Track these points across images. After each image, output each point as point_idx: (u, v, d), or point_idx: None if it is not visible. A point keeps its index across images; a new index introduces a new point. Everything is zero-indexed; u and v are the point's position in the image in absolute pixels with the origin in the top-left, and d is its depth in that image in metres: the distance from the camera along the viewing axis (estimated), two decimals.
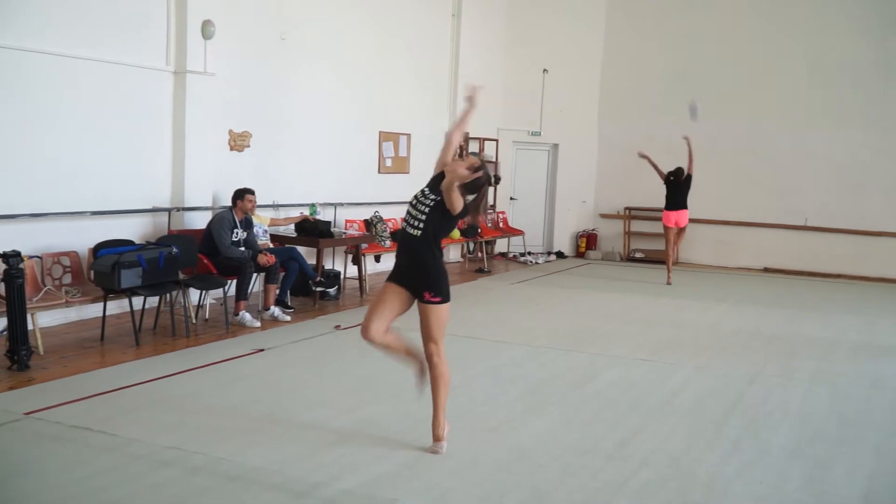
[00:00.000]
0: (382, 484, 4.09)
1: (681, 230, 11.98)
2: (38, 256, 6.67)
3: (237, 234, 7.88)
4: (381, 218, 11.07)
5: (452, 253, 13.49)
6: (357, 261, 9.91)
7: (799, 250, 13.67)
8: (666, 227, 11.96)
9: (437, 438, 4.54)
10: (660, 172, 11.81)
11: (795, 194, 13.63)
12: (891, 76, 12.94)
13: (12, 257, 5.77)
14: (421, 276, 4.44)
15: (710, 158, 13.19)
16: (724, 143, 13.78)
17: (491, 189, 14.21)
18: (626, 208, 14.70)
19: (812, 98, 13.42)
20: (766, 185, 13.77)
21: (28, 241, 6.59)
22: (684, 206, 11.78)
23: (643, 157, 11.79)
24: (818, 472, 4.54)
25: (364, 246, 10.11)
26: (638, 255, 14.54)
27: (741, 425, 5.34)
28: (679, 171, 11.73)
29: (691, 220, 12.17)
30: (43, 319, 6.59)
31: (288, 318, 8.03)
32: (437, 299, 4.43)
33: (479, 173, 4.31)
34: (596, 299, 10.31)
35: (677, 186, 11.75)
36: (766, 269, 13.85)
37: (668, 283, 11.74)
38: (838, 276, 13.25)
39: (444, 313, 4.47)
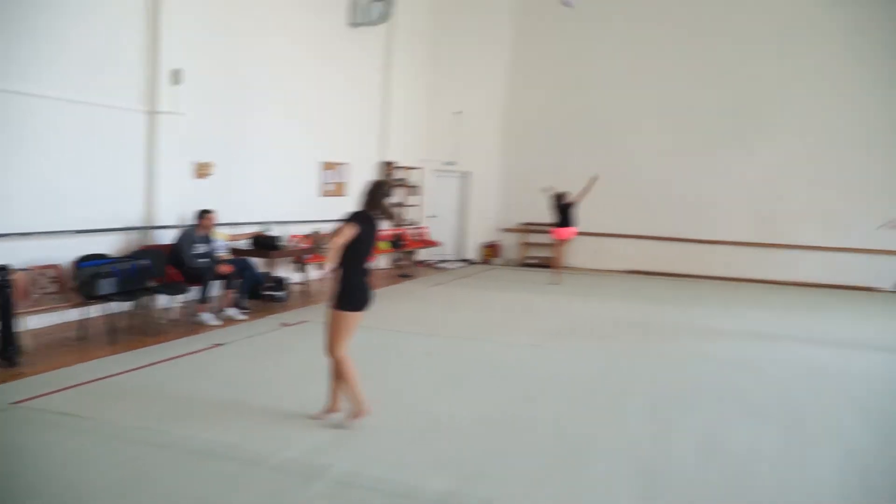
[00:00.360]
0: (320, 452, 4.08)
1: (567, 242, 12.29)
2: (27, 269, 6.40)
3: (200, 247, 7.72)
4: (321, 233, 10.95)
5: (383, 261, 13.46)
6: (301, 269, 9.80)
7: (656, 256, 14.06)
8: (557, 240, 12.29)
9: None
10: (575, 197, 12.06)
11: (654, 210, 14.04)
12: (723, 118, 13.47)
13: (1, 270, 5.54)
14: None
15: (596, 182, 13.55)
16: (604, 170, 14.10)
17: (413, 208, 14.27)
18: (522, 223, 14.91)
19: (667, 134, 13.87)
20: (633, 203, 14.12)
21: (19, 256, 6.32)
22: (573, 224, 12.12)
23: (592, 180, 11.98)
24: (665, 430, 4.71)
25: (307, 256, 10.01)
26: (532, 261, 14.76)
27: (607, 395, 5.50)
28: (561, 195, 12.07)
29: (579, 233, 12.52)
30: (31, 323, 6.33)
31: (243, 317, 7.89)
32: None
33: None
34: (498, 297, 10.43)
35: (566, 208, 12.08)
36: (631, 271, 14.21)
37: (557, 283, 12.01)
38: (686, 275, 13.69)
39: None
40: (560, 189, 12.23)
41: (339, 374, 4.52)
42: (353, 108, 12.22)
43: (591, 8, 14.24)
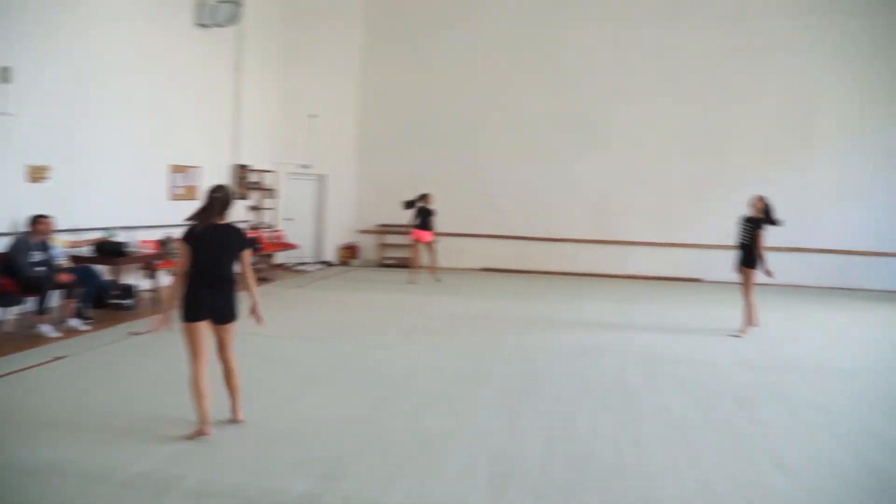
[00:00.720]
0: (172, 463, 3.91)
1: (428, 243, 12.46)
2: None
3: (36, 255, 7.14)
4: (172, 238, 10.48)
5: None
6: (151, 275, 9.31)
7: (507, 254, 14.61)
8: (416, 242, 12.45)
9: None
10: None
11: (504, 212, 14.58)
12: (565, 124, 14.22)
13: None
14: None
15: (449, 185, 13.87)
16: (456, 173, 14.49)
17: (269, 211, 13.95)
18: (379, 225, 14.97)
19: (514, 140, 14.43)
20: (484, 205, 14.58)
21: None
22: (428, 228, 12.31)
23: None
24: (516, 418, 4.93)
25: (158, 262, 9.52)
26: (389, 261, 14.86)
27: (462, 388, 5.66)
28: (422, 197, 12.31)
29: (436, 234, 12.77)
30: None
31: (86, 327, 7.37)
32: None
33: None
34: (358, 298, 10.41)
35: (421, 212, 12.27)
36: (485, 269, 14.66)
37: (414, 283, 12.16)
38: (535, 271, 14.32)
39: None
40: (422, 192, 12.50)
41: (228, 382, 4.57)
42: (202, 110, 11.76)
43: (437, 16, 14.58)
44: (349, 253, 15.03)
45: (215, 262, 4.34)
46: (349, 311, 9.24)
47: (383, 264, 14.84)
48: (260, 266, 13.08)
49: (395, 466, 3.99)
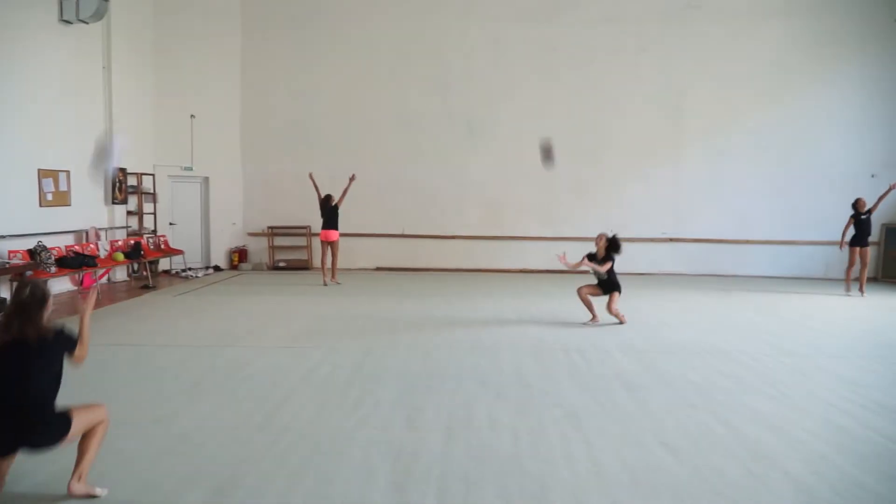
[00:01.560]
0: (54, 483, 3.64)
1: (332, 243, 12.20)
2: None
3: None
4: (44, 247, 9.78)
5: (119, 273, 12.34)
6: None
7: (400, 252, 14.60)
8: (322, 242, 12.18)
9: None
10: (318, 193, 12.05)
11: (395, 210, 14.56)
12: (450, 124, 14.38)
13: None
14: None
15: (338, 185, 13.66)
16: (345, 173, 14.31)
17: (150, 215, 13.29)
18: (268, 227, 14.59)
19: (402, 139, 14.43)
20: (375, 204, 14.49)
21: None
22: (335, 227, 12.07)
23: (311, 178, 12.12)
24: (415, 414, 4.93)
25: (29, 273, 8.85)
26: (281, 264, 14.51)
27: (360, 387, 5.60)
28: (328, 197, 12.06)
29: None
30: None
31: None
32: None
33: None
34: (249, 302, 10.09)
35: (328, 211, 12.03)
36: (379, 269, 14.60)
37: (325, 284, 11.96)
38: (427, 269, 14.40)
39: None
40: (326, 192, 12.26)
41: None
42: (72, 111, 11.04)
43: (319, 13, 14.36)
44: (239, 256, 14.55)
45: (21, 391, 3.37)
46: (240, 315, 8.93)
47: (276, 267, 14.47)
48: (143, 274, 12.44)
49: (292, 472, 3.89)
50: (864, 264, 11.66)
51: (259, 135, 14.58)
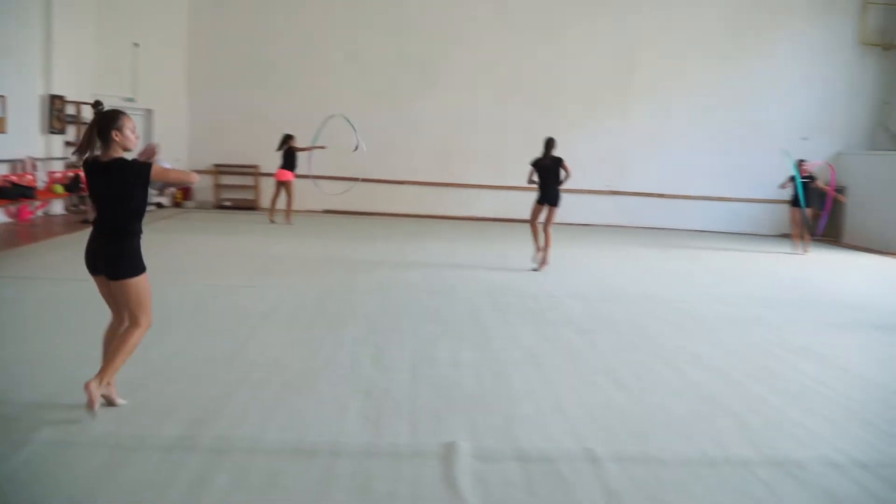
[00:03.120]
0: (63, 394, 3.64)
1: (286, 184, 12.12)
2: None
3: None
4: None
5: (56, 206, 11.93)
6: None
7: (351, 196, 14.47)
8: (277, 182, 12.30)
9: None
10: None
11: (345, 153, 14.37)
12: (408, 67, 14.22)
13: None
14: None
15: (288, 125, 13.44)
16: (296, 113, 14.06)
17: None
18: (214, 165, 14.27)
19: (354, 79, 14.21)
20: (328, 146, 14.28)
21: None
22: (290, 168, 12.20)
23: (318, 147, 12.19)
24: (380, 353, 5.07)
25: None
26: (227, 203, 14.27)
27: (322, 327, 5.70)
28: (288, 137, 12.18)
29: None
30: None
31: None
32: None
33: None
34: (199, 241, 9.96)
35: (286, 152, 12.10)
36: (328, 211, 14.52)
37: (272, 222, 12.11)
38: (378, 213, 14.42)
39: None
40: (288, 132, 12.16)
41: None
42: (4, 32, 10.43)
43: None
44: (182, 193, 14.21)
45: (99, 202, 3.74)
46: (191, 254, 8.84)
47: (221, 206, 14.22)
48: (81, 207, 12.05)
49: (266, 406, 3.99)
50: (796, 223, 12.13)
51: (208, 69, 14.10)
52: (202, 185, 14.42)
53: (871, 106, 14.72)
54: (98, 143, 3.67)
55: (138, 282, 3.77)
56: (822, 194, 12.21)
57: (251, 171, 14.24)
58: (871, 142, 14.75)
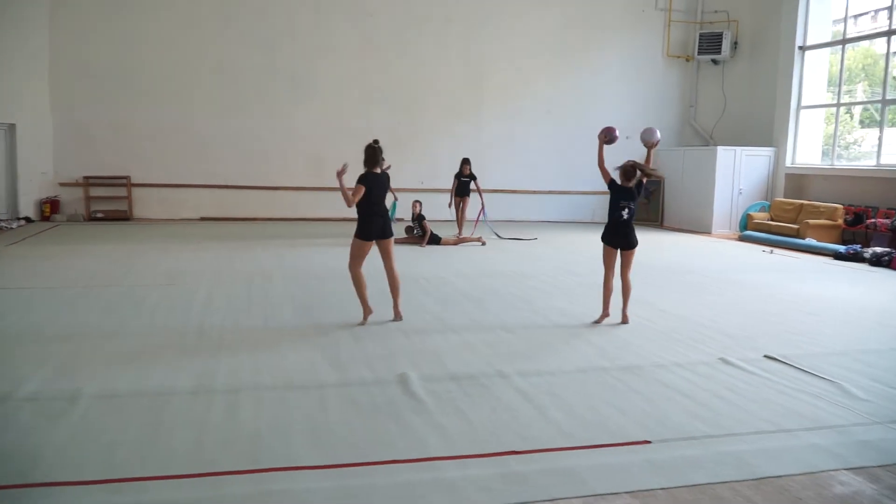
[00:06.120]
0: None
1: None
2: None
3: None
4: None
5: None
6: None
7: (225, 202, 15.27)
8: None
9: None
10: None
11: (220, 161, 15.14)
12: (276, 76, 15.22)
13: None
14: None
15: (160, 136, 13.97)
16: (167, 124, 14.61)
17: None
18: (84, 177, 14.49)
19: (226, 91, 14.97)
20: (198, 155, 14.95)
21: None
22: None
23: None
24: (318, 327, 6.35)
25: None
26: (99, 214, 14.53)
27: (262, 309, 6.86)
28: None
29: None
30: None
31: None
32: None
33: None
34: (97, 249, 10.39)
35: None
36: (202, 218, 15.14)
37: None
38: (252, 218, 15.23)
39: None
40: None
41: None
42: None
43: None
44: (51, 208, 14.30)
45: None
46: (98, 260, 9.40)
47: (93, 218, 14.45)
48: None
49: (252, 357, 5.19)
50: None
51: (72, 81, 14.30)
52: (71, 198, 14.59)
53: (679, 109, 17.67)
54: None
55: None
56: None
57: (122, 181, 14.61)
58: (681, 138, 17.68)
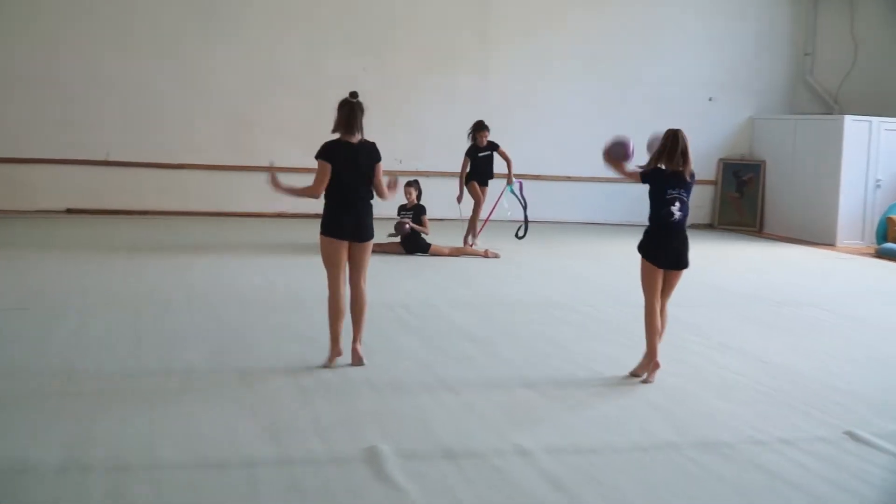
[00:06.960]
0: None
1: None
2: None
3: None
4: None
5: None
6: None
7: (102, 188, 15.15)
8: None
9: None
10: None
11: (96, 127, 15.01)
12: (187, 6, 15.24)
13: None
14: None
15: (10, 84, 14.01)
16: (20, 69, 14.54)
17: None
18: None
19: (107, 23, 14.91)
20: (64, 117, 14.78)
21: None
22: None
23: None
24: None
25: None
26: None
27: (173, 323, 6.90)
28: None
29: None
30: None
31: None
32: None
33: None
34: None
35: None
36: (70, 211, 15.04)
37: None
38: (143, 212, 15.10)
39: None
40: None
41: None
42: None
43: None
44: None
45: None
46: None
47: None
48: None
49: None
50: None
51: None
52: None
53: (788, 59, 17.70)
54: None
55: None
56: None
57: None
58: (791, 102, 17.69)
